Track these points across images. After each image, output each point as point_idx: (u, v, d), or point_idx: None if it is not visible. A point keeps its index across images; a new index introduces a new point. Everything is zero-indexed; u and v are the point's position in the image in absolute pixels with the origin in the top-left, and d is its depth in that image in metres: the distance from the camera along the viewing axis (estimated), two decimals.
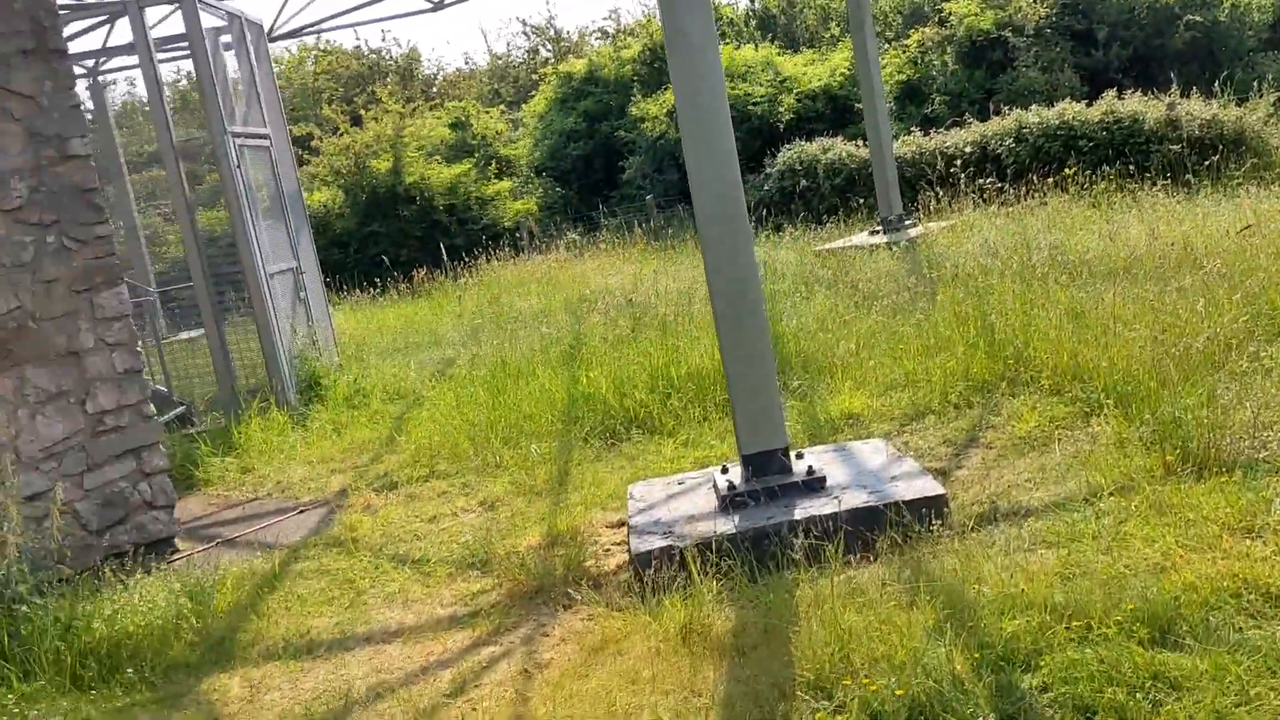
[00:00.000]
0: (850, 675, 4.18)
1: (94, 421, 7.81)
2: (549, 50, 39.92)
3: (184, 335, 15.58)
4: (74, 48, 15.35)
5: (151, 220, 22.42)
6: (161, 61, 13.50)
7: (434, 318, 17.87)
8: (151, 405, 8.15)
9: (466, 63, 44.49)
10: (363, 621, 6.04)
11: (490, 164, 27.90)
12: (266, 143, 13.17)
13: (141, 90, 25.48)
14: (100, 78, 17.72)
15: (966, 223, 14.87)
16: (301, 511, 8.54)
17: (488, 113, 30.74)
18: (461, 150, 28.48)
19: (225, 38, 13.26)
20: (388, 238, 25.48)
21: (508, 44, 67.62)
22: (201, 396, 13.10)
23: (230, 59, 13.22)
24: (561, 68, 30.40)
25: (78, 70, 17.17)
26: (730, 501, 6.06)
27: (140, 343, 14.49)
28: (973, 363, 8.23)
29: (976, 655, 4.15)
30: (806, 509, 5.81)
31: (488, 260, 21.35)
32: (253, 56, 13.27)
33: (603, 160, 27.57)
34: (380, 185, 25.88)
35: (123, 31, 15.93)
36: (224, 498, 9.51)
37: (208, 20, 13.73)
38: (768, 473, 6.20)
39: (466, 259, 21.36)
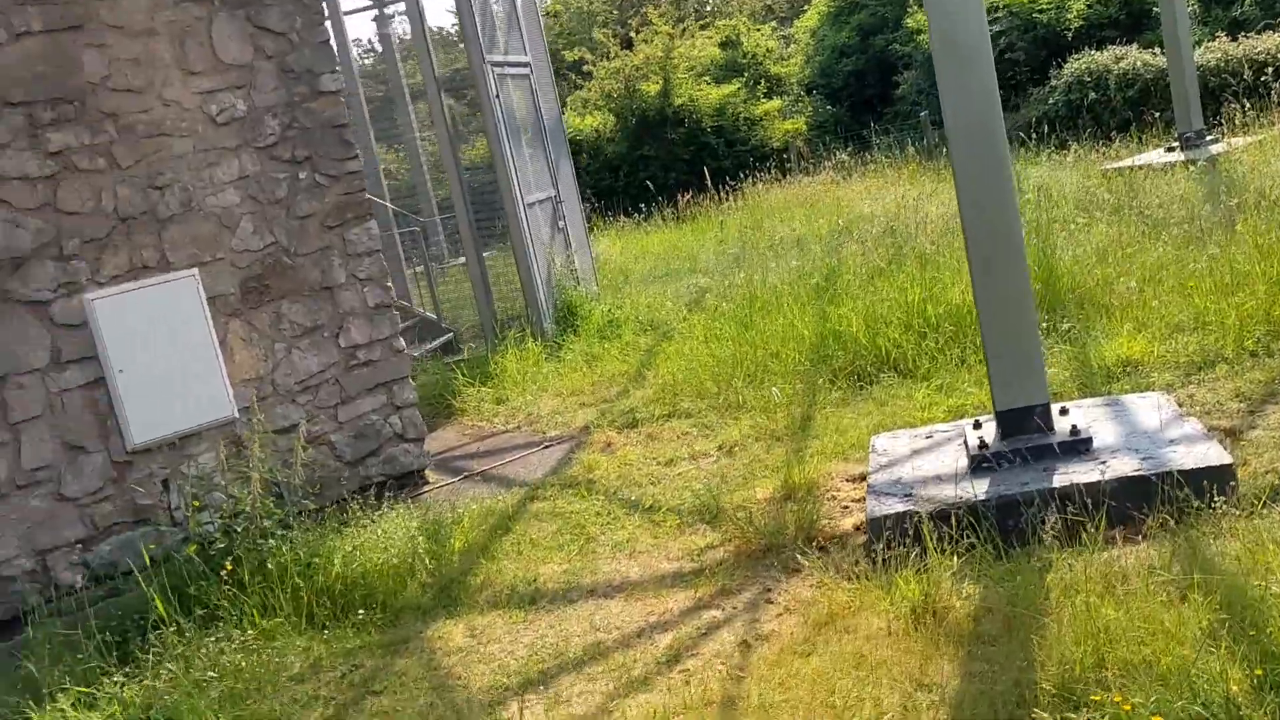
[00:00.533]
0: (1102, 686, 3.65)
1: (347, 355, 7.96)
2: None
3: (459, 260, 15.96)
4: None
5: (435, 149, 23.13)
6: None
7: (696, 243, 17.64)
8: (401, 340, 8.25)
9: None
10: (589, 571, 5.89)
11: (760, 83, 27.27)
12: (527, 70, 13.14)
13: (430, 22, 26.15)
14: (385, 9, 18.28)
15: (1277, 138, 13.32)
16: (546, 447, 8.51)
17: (758, 30, 30.04)
18: (731, 70, 27.95)
19: None
20: (657, 161, 25.38)
21: None
22: (468, 324, 13.37)
23: None
24: None
25: (365, 2, 17.77)
26: (980, 462, 5.52)
27: (412, 270, 14.99)
28: (1275, 304, 7.27)
29: (1259, 671, 3.54)
30: (1066, 475, 5.21)
31: (754, 183, 20.90)
32: None
33: (876, 76, 26.44)
34: (650, 108, 25.75)
35: None
36: (477, 429, 9.62)
37: None
38: (1024, 431, 5.61)
39: (733, 181, 20.98)
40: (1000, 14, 23.61)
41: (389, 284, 8.19)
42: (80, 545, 7.01)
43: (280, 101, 7.72)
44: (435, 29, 23.25)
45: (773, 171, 21.90)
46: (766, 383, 8.38)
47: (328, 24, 7.97)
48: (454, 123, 12.81)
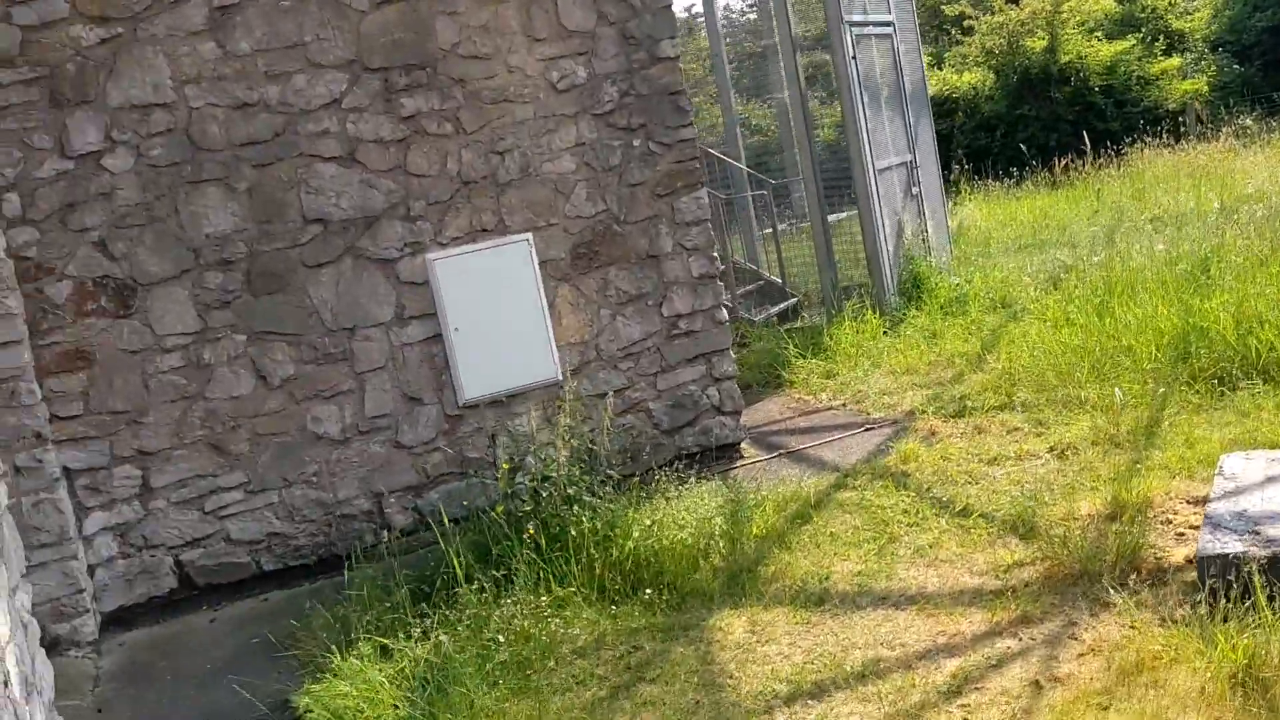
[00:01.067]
0: None
1: (669, 324, 7.97)
2: None
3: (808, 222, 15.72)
4: None
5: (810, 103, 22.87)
6: None
7: (1070, 212, 16.52)
8: (724, 310, 8.15)
9: None
10: (884, 575, 5.58)
11: (1158, 39, 25.13)
12: (889, 29, 12.64)
13: None
14: None
15: None
16: (867, 429, 8.19)
17: None
18: (1127, 25, 25.92)
19: None
20: (1037, 121, 23.98)
21: None
22: (813, 289, 13.13)
23: None
24: None
25: None
26: None
27: (762, 232, 14.90)
28: None
29: None
30: None
31: (1142, 148, 19.32)
32: None
33: None
34: (1033, 65, 24.32)
35: None
36: (802, 403, 9.42)
37: None
38: None
39: (1119, 145, 19.50)
40: None
41: (715, 254, 8.10)
42: (412, 491, 7.43)
43: (619, 68, 7.75)
44: None
45: (1164, 136, 20.17)
46: (1116, 379, 7.67)
47: None
48: (811, 84, 12.53)
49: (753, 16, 26.84)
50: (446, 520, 6.30)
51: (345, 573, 6.38)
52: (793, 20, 11.88)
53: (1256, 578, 4.28)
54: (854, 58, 11.36)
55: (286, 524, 7.20)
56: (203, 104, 6.94)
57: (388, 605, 5.79)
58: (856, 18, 11.72)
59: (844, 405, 9.07)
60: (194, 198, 6.94)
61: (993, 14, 25.73)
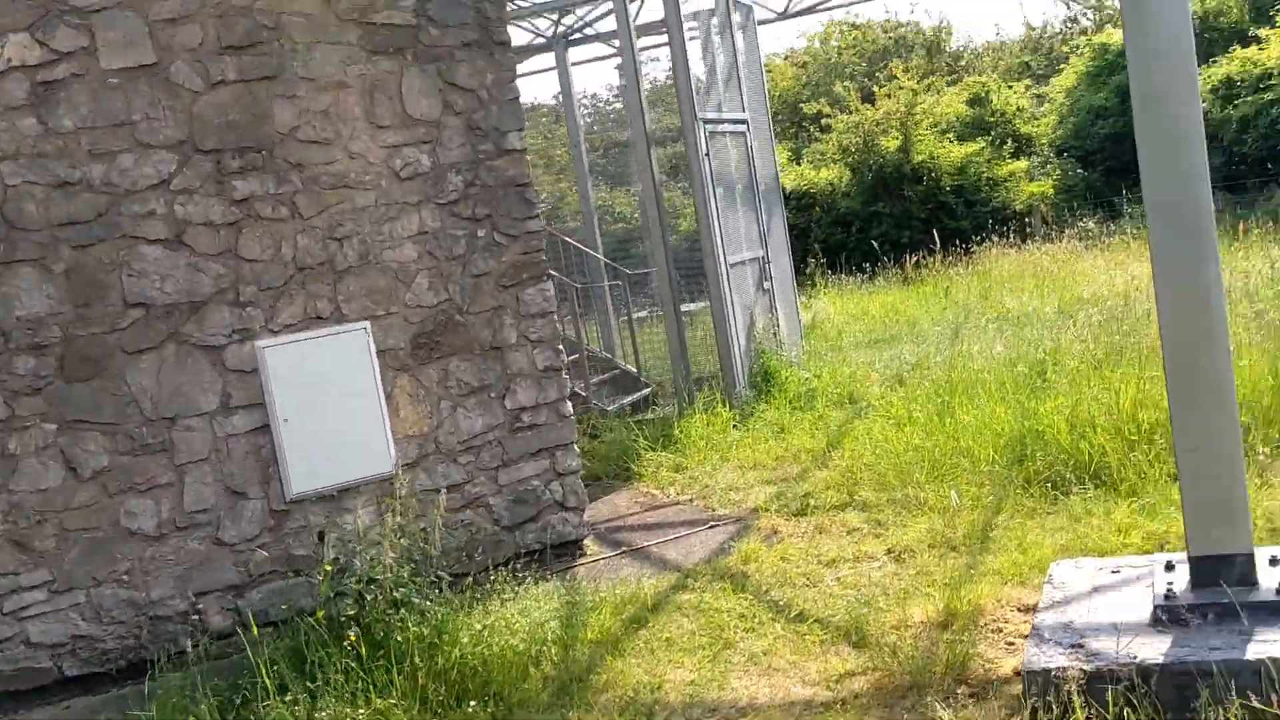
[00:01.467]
0: None
1: (512, 417, 7.79)
2: (1090, 19, 36.93)
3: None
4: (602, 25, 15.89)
5: (672, 193, 23.10)
6: (651, 48, 13.63)
7: (919, 308, 16.91)
8: (569, 404, 8.02)
9: (997, 34, 42.19)
10: (717, 685, 5.44)
11: (1007, 142, 26.16)
12: (744, 128, 12.85)
13: (658, 71, 26.34)
14: (616, 59, 18.37)
15: None
16: (711, 527, 8.11)
17: (1010, 88, 28.91)
18: (977, 127, 26.95)
19: (715, 20, 13.07)
20: (891, 218, 24.67)
21: (1044, 13, 63.54)
22: (667, 380, 13.10)
23: (717, 42, 13.00)
24: (1097, 39, 27.88)
25: (608, 50, 17.91)
26: (1165, 614, 4.81)
27: (618, 321, 14.87)
28: None
29: None
30: (1265, 645, 4.45)
31: (989, 247, 19.97)
32: (737, 40, 12.96)
33: (1134, 140, 24.91)
34: (887, 164, 25.07)
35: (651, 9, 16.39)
36: (650, 497, 9.31)
37: (698, 3, 13.65)
38: (1221, 582, 4.85)
39: (968, 244, 20.15)
40: (1275, 81, 21.93)
41: (560, 347, 7.98)
42: (233, 591, 7.04)
43: (465, 159, 7.64)
44: (656, 81, 23.29)
45: (1011, 236, 20.91)
46: (954, 480, 7.74)
47: (518, 82, 7.85)
48: (675, 175, 12.62)
49: (619, 106, 27.18)
50: (268, 622, 5.97)
51: (148, 682, 5.98)
52: (649, 116, 11.96)
53: (1076, 698, 4.24)
54: (707, 154, 11.49)
55: (94, 626, 6.74)
56: (20, 181, 6.59)
57: (192, 717, 5.43)
58: (710, 115, 11.87)
59: (691, 500, 8.98)
60: (5, 278, 6.56)
61: (849, 113, 26.49)
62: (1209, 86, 23.13)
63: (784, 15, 19.22)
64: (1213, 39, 25.49)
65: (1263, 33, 23.42)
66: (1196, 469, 4.88)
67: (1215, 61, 23.92)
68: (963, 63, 36.76)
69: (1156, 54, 4.86)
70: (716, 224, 11.47)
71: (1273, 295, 10.55)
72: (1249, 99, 22.35)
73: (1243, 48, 23.56)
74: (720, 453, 10.00)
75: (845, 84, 28.85)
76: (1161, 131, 4.88)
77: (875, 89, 27.00)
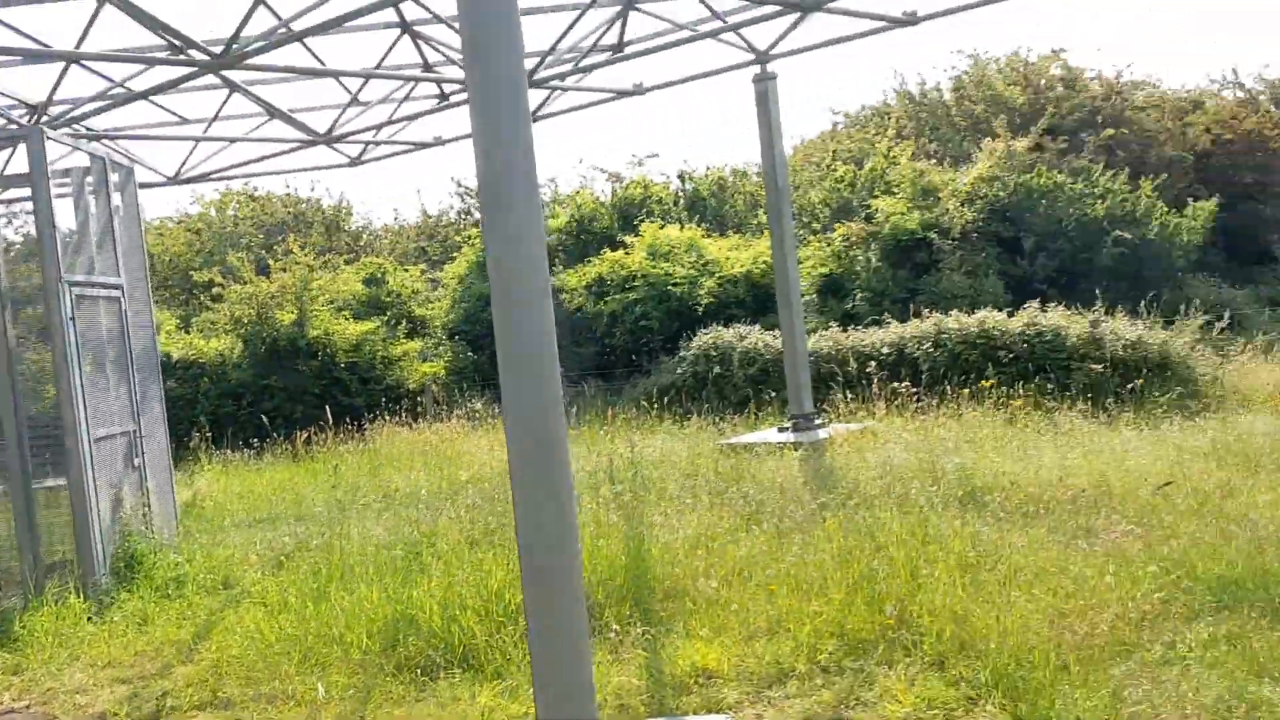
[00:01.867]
0: None
1: None
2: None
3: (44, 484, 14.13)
4: None
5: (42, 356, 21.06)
6: (23, 199, 12.55)
7: (309, 486, 16.53)
8: None
9: (396, 218, 43.70)
10: None
11: (401, 323, 26.88)
12: (118, 294, 12.02)
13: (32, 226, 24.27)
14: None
15: (876, 429, 13.98)
16: None
17: (406, 270, 29.90)
18: (374, 307, 27.47)
19: (91, 178, 12.25)
20: (284, 392, 24.20)
21: (440, 202, 67.35)
22: (14, 567, 11.62)
23: (92, 201, 12.17)
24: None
25: None
26: None
27: None
28: (850, 614, 7.12)
29: None
30: None
31: (383, 424, 20.17)
32: (115, 200, 12.21)
33: None
34: (282, 337, 24.72)
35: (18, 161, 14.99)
36: None
37: (74, 160, 12.80)
38: None
39: (363, 421, 20.23)
40: (638, 283, 24.51)
41: None
42: None
43: None
44: (30, 236, 21.59)
45: (404, 415, 21.29)
46: (326, 670, 7.44)
47: None
48: (45, 338, 11.44)
49: None
50: None
51: None
52: (13, 273, 10.85)
53: None
54: (72, 319, 10.58)
55: None
56: None
57: None
58: (79, 277, 11.00)
59: (29, 707, 7.88)
60: None
61: (243, 284, 25.97)
62: (584, 284, 25.35)
63: (175, 180, 18.57)
64: (588, 241, 28.13)
65: (628, 239, 26.20)
66: (544, 647, 5.00)
67: (590, 261, 26.32)
68: (362, 242, 37.61)
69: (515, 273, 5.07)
70: (80, 394, 10.52)
71: (630, 477, 11.48)
72: (617, 296, 24.73)
73: (611, 250, 26.16)
74: (70, 649, 8.94)
75: (240, 254, 28.31)
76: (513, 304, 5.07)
77: (271, 261, 26.75)
